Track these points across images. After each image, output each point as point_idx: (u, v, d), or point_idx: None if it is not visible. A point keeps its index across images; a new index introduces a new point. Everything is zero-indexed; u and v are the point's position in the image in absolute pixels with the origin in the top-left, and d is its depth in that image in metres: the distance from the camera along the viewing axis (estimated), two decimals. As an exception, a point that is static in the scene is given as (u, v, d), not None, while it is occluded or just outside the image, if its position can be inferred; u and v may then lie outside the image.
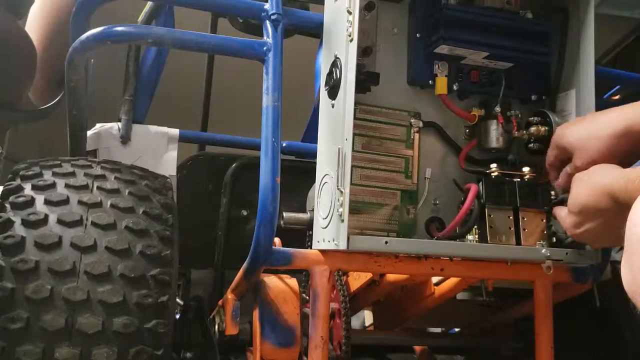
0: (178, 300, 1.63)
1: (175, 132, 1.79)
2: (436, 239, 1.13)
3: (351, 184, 1.04)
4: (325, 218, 1.07)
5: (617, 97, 1.72)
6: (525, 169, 1.17)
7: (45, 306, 0.93)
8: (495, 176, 1.15)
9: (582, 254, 1.16)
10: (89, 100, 1.36)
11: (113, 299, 0.95)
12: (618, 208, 0.91)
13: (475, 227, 1.13)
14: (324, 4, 1.15)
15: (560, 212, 1.08)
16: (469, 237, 1.15)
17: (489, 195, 1.14)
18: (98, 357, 0.92)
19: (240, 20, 2.14)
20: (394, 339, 1.62)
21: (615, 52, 3.06)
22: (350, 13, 1.04)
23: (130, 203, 1.05)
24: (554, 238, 1.16)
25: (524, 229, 1.15)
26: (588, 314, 1.43)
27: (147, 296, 0.97)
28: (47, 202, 1.01)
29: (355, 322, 2.09)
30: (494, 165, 1.16)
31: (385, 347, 1.65)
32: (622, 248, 1.49)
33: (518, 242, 1.14)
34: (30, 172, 1.08)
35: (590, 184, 0.97)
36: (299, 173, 1.36)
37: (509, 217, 1.15)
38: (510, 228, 1.15)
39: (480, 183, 1.15)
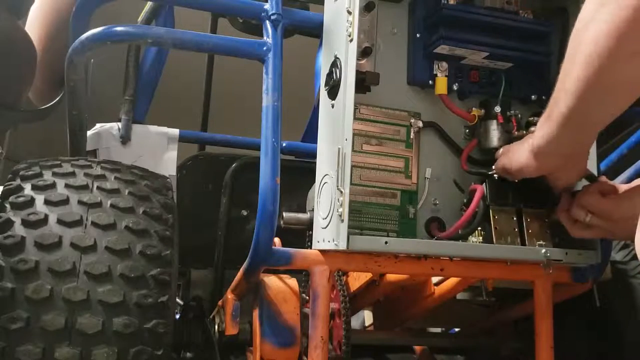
0: (178, 300, 1.63)
1: (175, 132, 1.79)
2: (436, 239, 1.13)
3: (351, 184, 1.04)
4: (325, 218, 1.07)
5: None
6: None
7: (45, 306, 0.93)
8: (498, 177, 1.15)
9: (582, 254, 1.16)
10: (89, 100, 1.36)
11: (113, 299, 0.95)
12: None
13: (479, 228, 1.14)
14: (324, 4, 1.15)
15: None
16: (472, 238, 1.15)
17: (493, 197, 1.14)
18: (98, 357, 0.93)
19: (240, 20, 2.15)
20: (394, 339, 1.62)
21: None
22: (350, 13, 1.04)
23: (130, 203, 1.05)
24: (557, 238, 1.16)
25: (528, 230, 1.15)
26: (588, 314, 1.43)
27: (147, 296, 0.98)
28: (47, 202, 1.01)
29: (355, 322, 2.09)
30: None
31: (385, 347, 1.65)
32: (622, 248, 1.49)
33: (523, 243, 1.14)
34: (30, 172, 1.08)
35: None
36: (299, 173, 1.36)
37: (512, 218, 1.15)
38: (514, 229, 1.15)
39: (484, 184, 1.15)
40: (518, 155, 1.08)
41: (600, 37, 0.82)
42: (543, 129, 1.01)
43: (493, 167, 1.15)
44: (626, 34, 0.80)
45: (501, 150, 1.14)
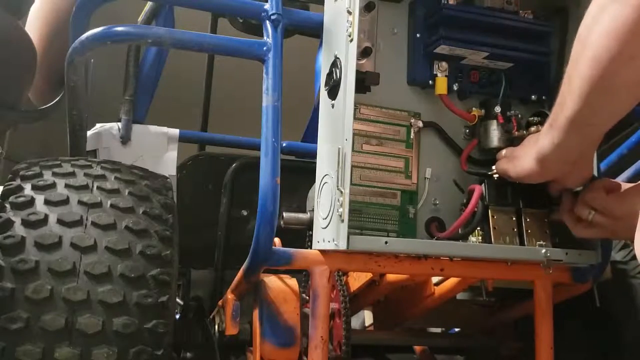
0: (178, 300, 1.63)
1: (175, 132, 1.79)
2: (436, 239, 1.13)
3: (351, 184, 1.04)
4: (325, 218, 1.07)
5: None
6: None
7: (45, 306, 0.93)
8: (497, 177, 1.15)
9: (582, 254, 1.16)
10: (89, 100, 1.36)
11: (113, 299, 0.95)
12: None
13: (478, 228, 1.14)
14: (324, 4, 1.15)
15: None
16: (472, 238, 1.15)
17: (492, 197, 1.14)
18: (98, 357, 0.92)
19: (240, 20, 2.15)
20: (394, 339, 1.62)
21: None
22: (350, 13, 1.04)
23: (130, 203, 1.05)
24: (557, 238, 1.16)
25: (527, 230, 1.15)
26: (588, 314, 1.43)
27: (147, 296, 0.97)
28: (47, 202, 1.01)
29: (355, 322, 2.09)
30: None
31: (385, 347, 1.65)
32: (622, 248, 1.49)
33: (522, 243, 1.14)
34: (30, 172, 1.08)
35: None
36: (299, 173, 1.36)
37: (512, 218, 1.15)
38: (514, 229, 1.15)
39: (483, 184, 1.15)
40: (522, 163, 1.08)
41: (604, 38, 0.82)
42: (548, 136, 1.00)
43: (493, 167, 1.15)
44: (629, 34, 0.80)
45: (504, 152, 1.14)
